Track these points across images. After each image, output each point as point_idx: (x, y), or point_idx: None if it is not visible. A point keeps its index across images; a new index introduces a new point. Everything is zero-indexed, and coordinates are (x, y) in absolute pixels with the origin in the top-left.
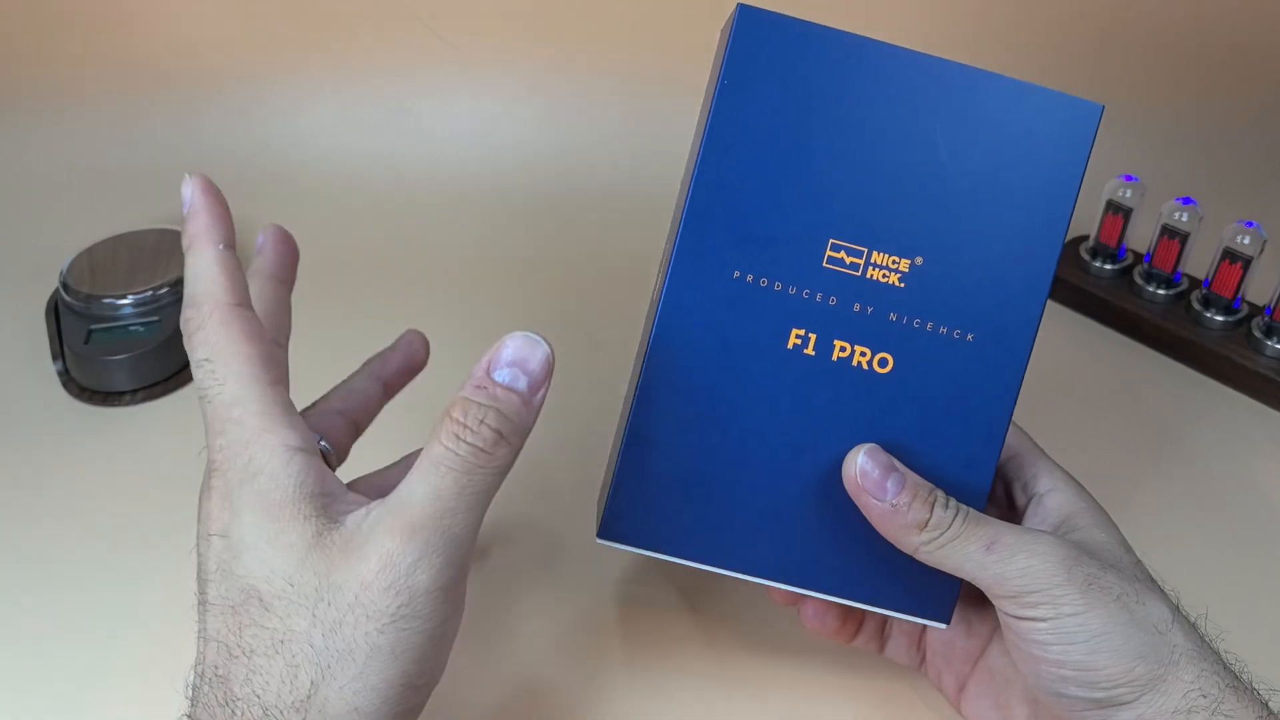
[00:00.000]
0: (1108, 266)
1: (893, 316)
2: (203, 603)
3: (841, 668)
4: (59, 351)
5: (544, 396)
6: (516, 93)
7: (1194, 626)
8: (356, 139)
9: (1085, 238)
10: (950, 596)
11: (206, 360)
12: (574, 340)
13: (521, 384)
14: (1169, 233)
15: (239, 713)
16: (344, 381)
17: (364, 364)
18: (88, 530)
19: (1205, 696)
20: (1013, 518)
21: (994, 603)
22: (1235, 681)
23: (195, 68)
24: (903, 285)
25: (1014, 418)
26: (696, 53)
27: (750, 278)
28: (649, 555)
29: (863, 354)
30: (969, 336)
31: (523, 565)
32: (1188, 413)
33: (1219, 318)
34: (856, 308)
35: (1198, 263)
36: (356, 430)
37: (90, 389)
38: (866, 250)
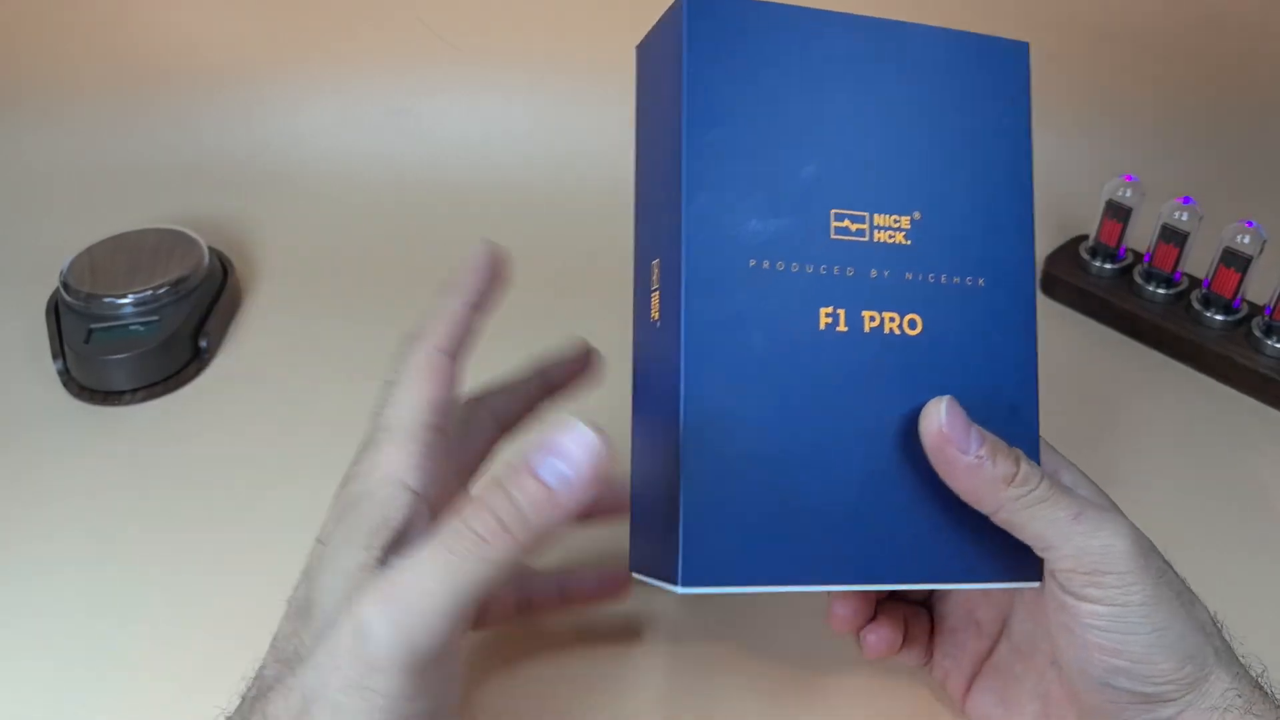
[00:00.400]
0: (1108, 266)
1: (908, 275)
2: (288, 600)
3: (840, 667)
4: (59, 351)
5: (581, 499)
6: (516, 92)
7: (1220, 630)
8: (356, 139)
9: (1085, 237)
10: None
11: (390, 382)
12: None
13: (553, 480)
14: (1169, 232)
15: (270, 716)
16: (510, 382)
17: (534, 366)
18: (88, 530)
19: (1241, 696)
20: None
21: (1059, 577)
22: (1257, 685)
23: (195, 67)
24: (909, 242)
25: None
26: None
27: (766, 264)
28: (739, 592)
29: (892, 319)
30: (980, 282)
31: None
32: (1188, 413)
33: (1219, 317)
34: (873, 274)
35: (1198, 262)
36: (502, 431)
37: (90, 388)
38: (868, 214)
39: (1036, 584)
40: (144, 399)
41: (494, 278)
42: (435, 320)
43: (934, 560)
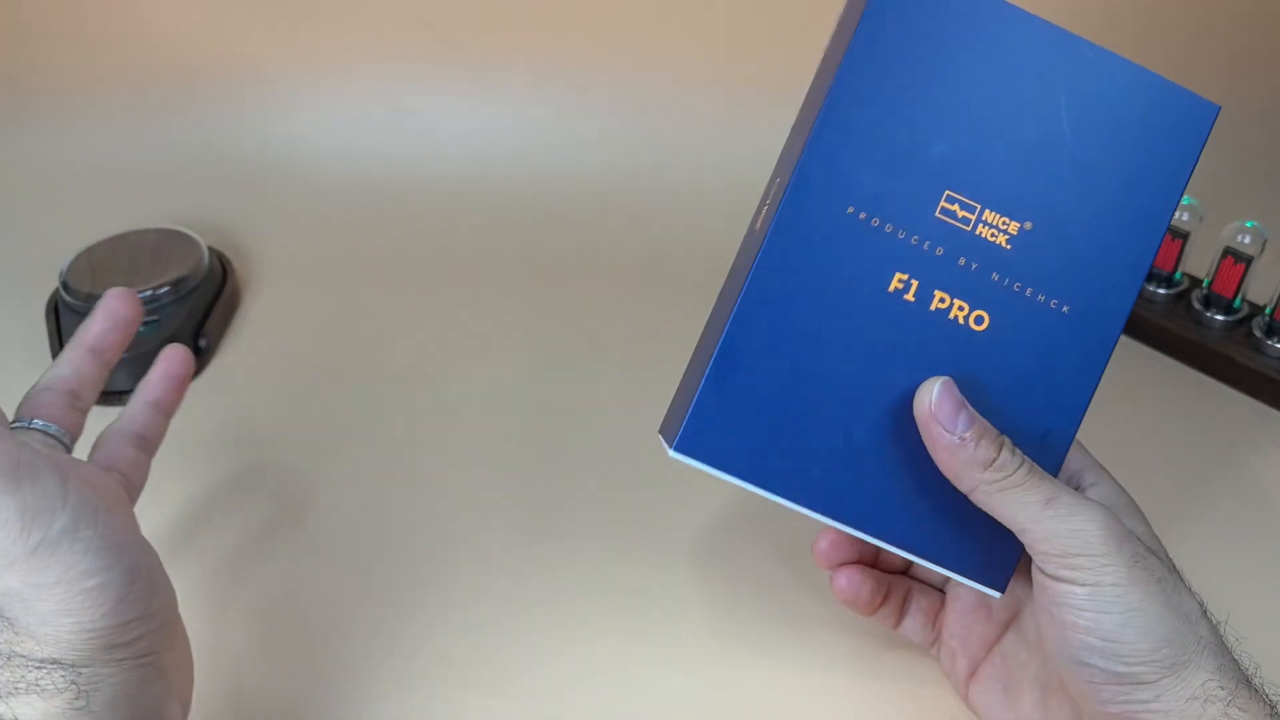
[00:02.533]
0: None
1: (995, 276)
2: None
3: (847, 646)
4: (59, 351)
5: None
6: (517, 92)
7: (1216, 625)
8: (356, 139)
9: None
10: (1009, 566)
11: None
12: (574, 340)
13: None
14: (1171, 232)
15: None
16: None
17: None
18: None
19: (1223, 689)
20: None
21: (1035, 559)
22: (1249, 681)
23: (195, 68)
24: (1009, 247)
25: None
26: (697, 52)
27: (864, 215)
28: (721, 476)
29: (960, 308)
30: (1065, 308)
31: (533, 567)
32: (1188, 413)
33: (1219, 317)
34: (961, 261)
35: (1198, 262)
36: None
37: None
38: (980, 207)
39: (998, 595)
40: None
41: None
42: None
43: (908, 529)
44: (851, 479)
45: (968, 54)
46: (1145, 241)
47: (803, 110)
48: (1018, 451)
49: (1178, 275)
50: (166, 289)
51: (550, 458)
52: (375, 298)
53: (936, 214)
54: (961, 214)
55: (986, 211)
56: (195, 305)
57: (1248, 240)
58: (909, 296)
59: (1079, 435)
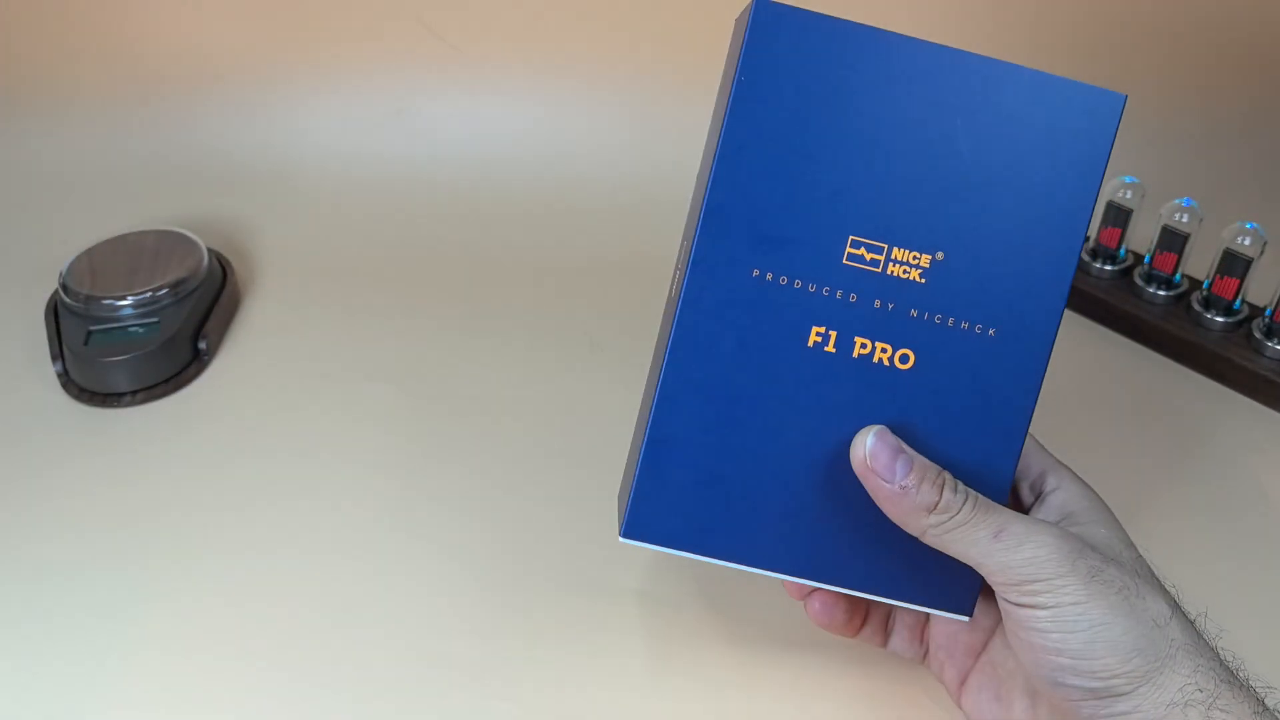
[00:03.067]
0: (1108, 268)
1: (914, 313)
2: None
3: (842, 661)
4: (58, 352)
5: None
6: (516, 93)
7: (1192, 623)
8: (356, 139)
9: (1085, 239)
10: (972, 588)
11: None
12: (575, 342)
13: None
14: (1169, 234)
15: None
16: None
17: None
18: (87, 530)
19: (1201, 691)
20: None
21: (995, 590)
22: (1232, 678)
23: (195, 69)
24: (924, 281)
25: None
26: (698, 52)
27: (770, 276)
28: (672, 553)
29: (884, 350)
30: (990, 331)
31: (536, 566)
32: (1188, 414)
33: (1219, 319)
34: (877, 304)
35: (1198, 264)
36: None
37: (89, 390)
38: (887, 246)
39: (965, 618)
40: (143, 401)
41: None
42: None
43: (867, 571)
44: (801, 534)
45: (853, 92)
46: (1066, 246)
47: (702, 162)
48: (960, 487)
49: (1177, 277)
50: (166, 290)
51: (551, 458)
52: (375, 298)
53: (844, 261)
54: (870, 256)
55: (895, 249)
56: (195, 306)
57: (1247, 242)
58: (829, 348)
59: (1042, 437)
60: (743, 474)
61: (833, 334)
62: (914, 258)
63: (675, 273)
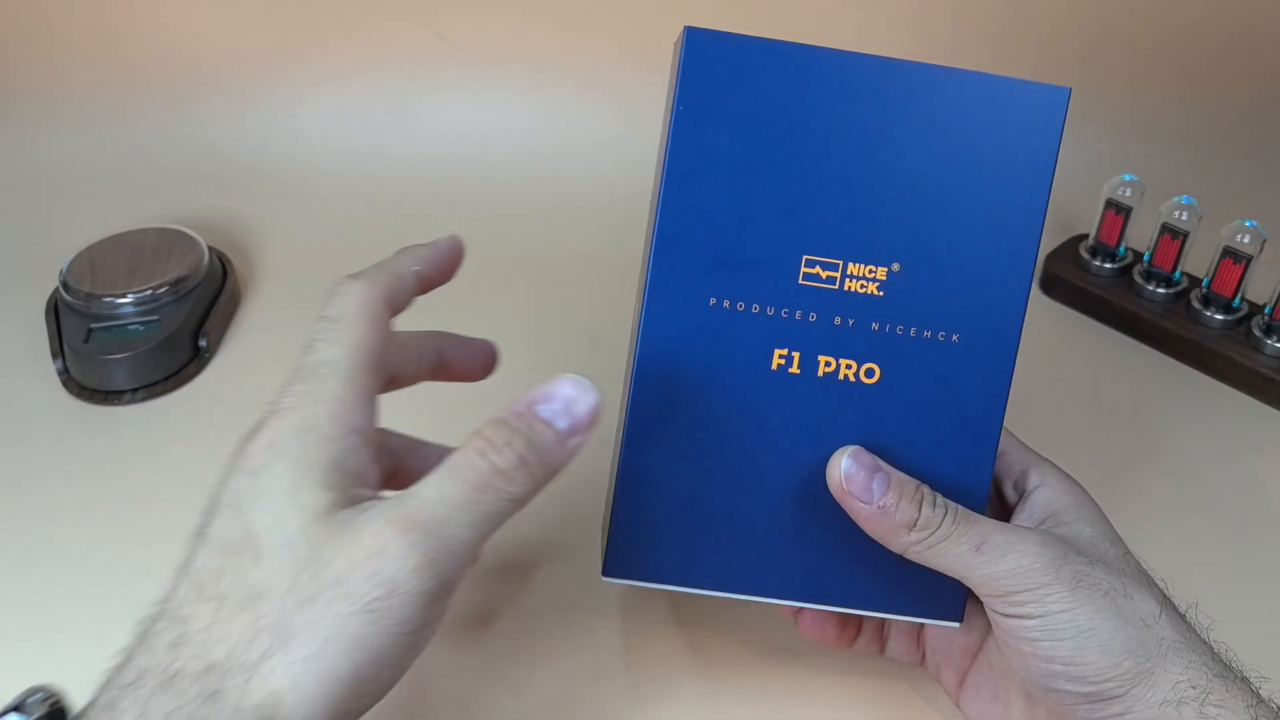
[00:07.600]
0: (1107, 265)
1: (875, 326)
2: (200, 535)
3: (842, 669)
4: (59, 351)
5: (581, 443)
6: (516, 92)
7: (1183, 617)
8: (356, 139)
9: (1085, 236)
10: (960, 595)
11: (330, 318)
12: (575, 340)
13: (562, 424)
14: (1169, 232)
15: (184, 658)
16: (409, 345)
17: (436, 341)
18: (88, 530)
19: (1194, 688)
20: (1003, 516)
21: (983, 600)
22: (1225, 671)
23: (195, 67)
24: (882, 294)
25: (1009, 417)
26: None
27: (727, 303)
28: (655, 588)
29: (848, 366)
30: (954, 337)
31: (526, 582)
32: (1187, 412)
33: (1219, 316)
34: (837, 321)
35: (1197, 262)
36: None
37: (90, 388)
38: (842, 263)
39: (956, 624)
40: (144, 399)
41: (448, 265)
42: (385, 273)
43: (853, 587)
44: (784, 557)
45: (793, 112)
46: (1022, 245)
47: (652, 195)
48: (940, 500)
49: (1177, 275)
50: (166, 289)
51: None
52: None
53: (800, 281)
54: (825, 274)
55: (850, 265)
56: (195, 305)
57: (1246, 239)
58: (794, 369)
59: (1032, 432)
60: (720, 502)
61: (795, 355)
62: (870, 271)
63: (636, 302)
